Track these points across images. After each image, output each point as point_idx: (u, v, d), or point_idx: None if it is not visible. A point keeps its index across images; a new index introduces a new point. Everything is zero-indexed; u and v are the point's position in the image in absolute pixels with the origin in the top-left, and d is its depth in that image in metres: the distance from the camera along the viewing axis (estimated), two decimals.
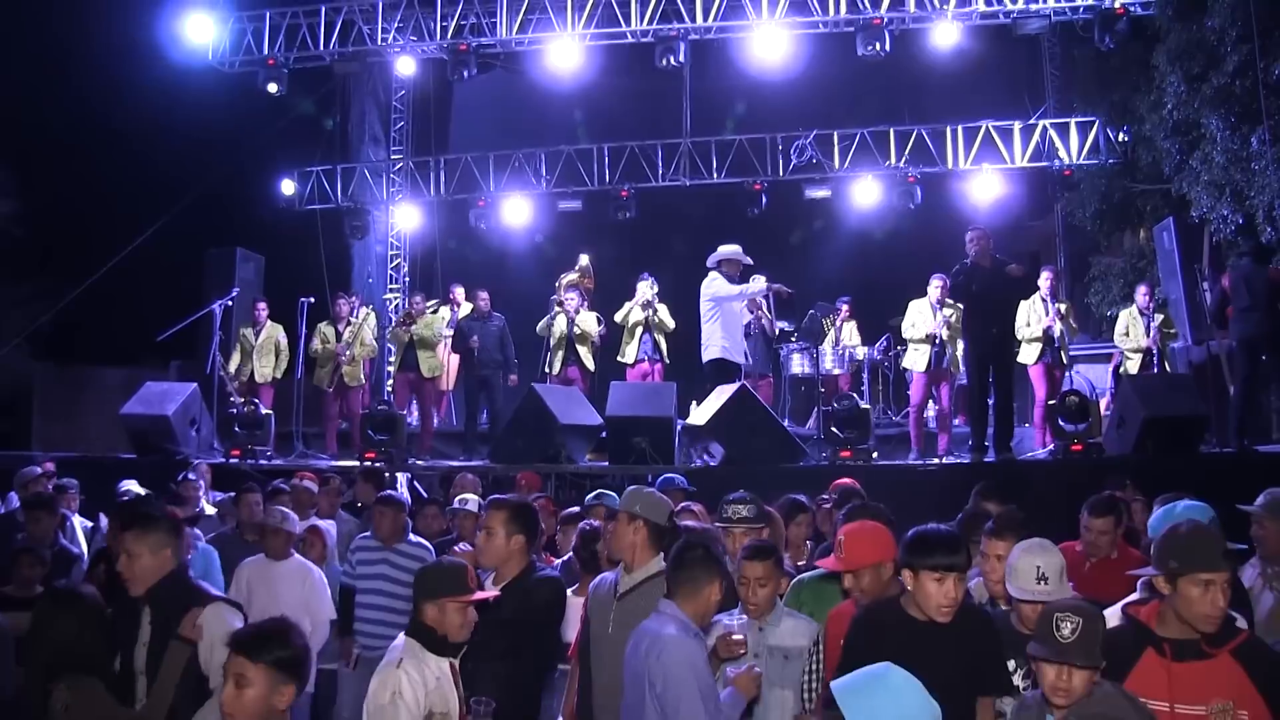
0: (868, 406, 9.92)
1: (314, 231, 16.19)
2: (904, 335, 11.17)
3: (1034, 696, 3.08)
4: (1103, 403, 10.44)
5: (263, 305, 12.02)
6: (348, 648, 5.89)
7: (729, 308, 10.41)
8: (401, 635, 3.70)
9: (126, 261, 14.04)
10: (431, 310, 12.32)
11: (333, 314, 11.87)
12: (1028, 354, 10.78)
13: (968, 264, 9.61)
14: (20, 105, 14.68)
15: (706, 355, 10.47)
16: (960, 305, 10.32)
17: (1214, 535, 3.21)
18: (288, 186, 16.26)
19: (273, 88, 14.09)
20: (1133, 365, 10.95)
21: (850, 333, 13.23)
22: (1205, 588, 2.99)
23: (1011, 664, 3.57)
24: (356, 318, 11.99)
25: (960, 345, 10.75)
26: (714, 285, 10.42)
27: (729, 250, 10.55)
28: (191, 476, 7.98)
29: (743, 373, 10.55)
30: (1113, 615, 3.52)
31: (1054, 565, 3.51)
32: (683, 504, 5.54)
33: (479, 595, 3.72)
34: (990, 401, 9.80)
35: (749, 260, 10.67)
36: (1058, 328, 10.56)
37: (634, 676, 3.57)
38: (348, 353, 11.61)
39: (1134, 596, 3.53)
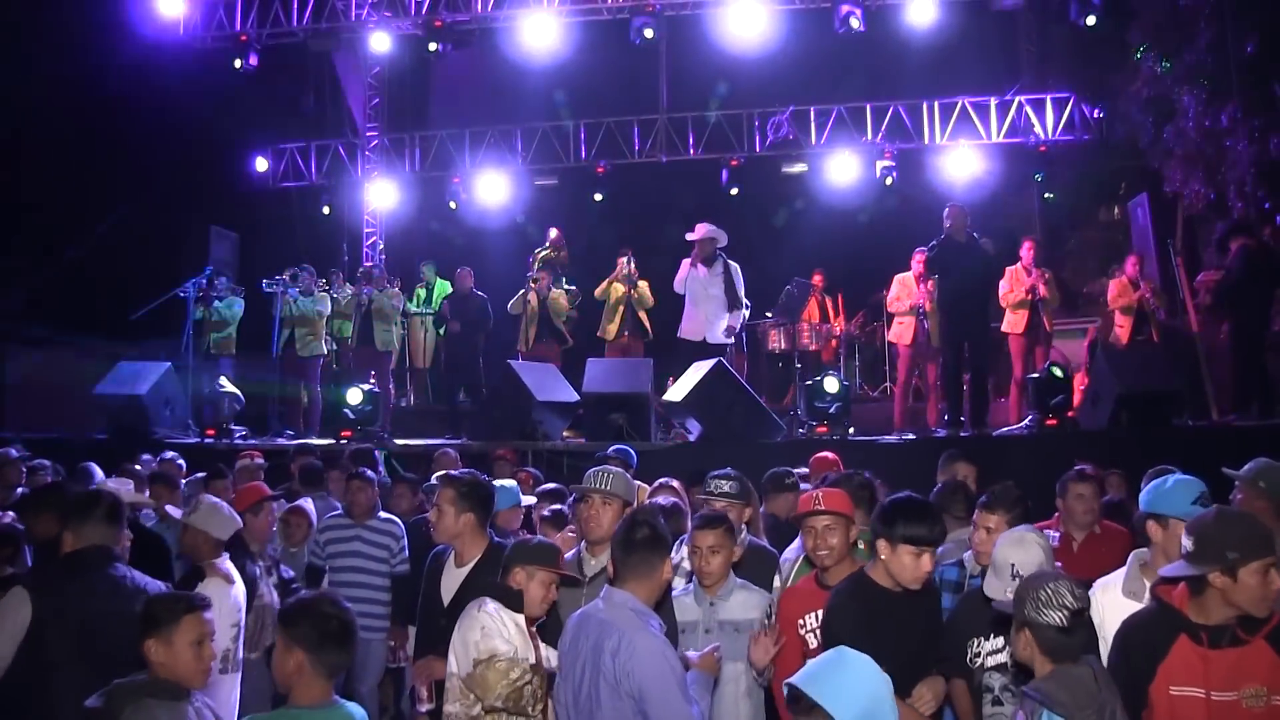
0: (847, 382, 9.95)
1: (289, 209, 16.05)
2: (890, 309, 11.15)
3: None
4: (1076, 378, 10.47)
5: (223, 280, 11.97)
6: None
7: (694, 291, 10.47)
8: (484, 599, 3.70)
9: (99, 240, 13.87)
10: (391, 285, 12.19)
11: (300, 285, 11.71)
12: (1012, 322, 10.58)
13: (943, 239, 9.64)
14: None
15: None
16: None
17: (1254, 517, 3.16)
18: (261, 164, 16.10)
19: (239, 63, 13.86)
20: (1123, 333, 10.74)
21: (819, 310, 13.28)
22: (1266, 572, 2.94)
23: (1002, 641, 3.55)
24: (342, 293, 11.94)
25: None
26: (680, 271, 10.49)
27: (697, 232, 10.50)
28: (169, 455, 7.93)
29: (719, 351, 10.50)
30: (1102, 586, 3.58)
31: (1031, 561, 3.48)
32: (660, 480, 5.51)
33: (565, 574, 3.85)
34: (966, 377, 9.86)
35: (716, 236, 10.53)
36: (1041, 288, 10.38)
37: (583, 664, 3.35)
38: (296, 310, 11.46)
39: (1170, 568, 3.19)
